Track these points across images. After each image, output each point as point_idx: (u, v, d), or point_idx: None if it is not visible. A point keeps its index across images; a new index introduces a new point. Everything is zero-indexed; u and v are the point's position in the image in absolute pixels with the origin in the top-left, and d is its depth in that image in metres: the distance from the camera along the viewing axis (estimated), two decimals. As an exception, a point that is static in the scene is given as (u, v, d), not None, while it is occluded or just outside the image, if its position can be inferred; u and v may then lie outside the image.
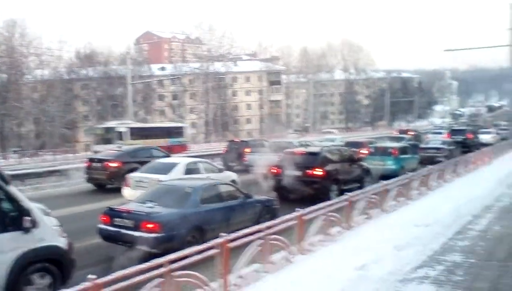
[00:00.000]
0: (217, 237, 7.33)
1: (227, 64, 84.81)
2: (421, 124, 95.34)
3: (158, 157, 20.12)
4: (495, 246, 9.75)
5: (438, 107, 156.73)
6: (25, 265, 6.91)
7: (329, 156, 17.83)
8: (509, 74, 39.26)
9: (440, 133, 46.00)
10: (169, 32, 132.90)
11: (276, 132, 66.83)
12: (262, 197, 12.89)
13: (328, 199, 11.35)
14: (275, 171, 17.19)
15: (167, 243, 9.18)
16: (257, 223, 9.69)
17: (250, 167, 21.93)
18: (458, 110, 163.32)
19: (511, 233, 10.77)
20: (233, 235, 7.39)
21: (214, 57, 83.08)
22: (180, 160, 18.17)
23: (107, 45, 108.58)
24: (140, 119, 75.42)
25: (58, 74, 67.78)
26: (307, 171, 16.48)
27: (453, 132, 44.17)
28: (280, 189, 16.21)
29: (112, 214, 10.10)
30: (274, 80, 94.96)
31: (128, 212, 9.88)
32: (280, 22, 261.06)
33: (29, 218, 6.94)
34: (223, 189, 11.80)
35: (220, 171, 18.48)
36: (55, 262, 7.37)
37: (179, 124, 51.22)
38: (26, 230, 6.93)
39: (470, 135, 42.04)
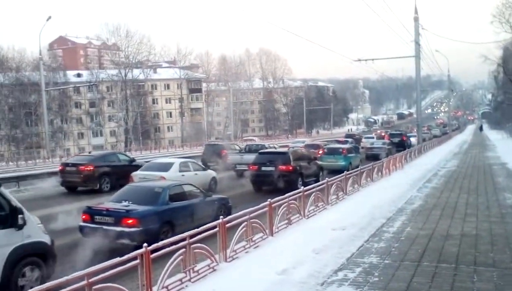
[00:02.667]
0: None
1: (146, 71, 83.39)
2: (338, 132, 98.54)
3: (125, 161, 23.53)
4: (408, 246, 10.24)
5: (352, 115, 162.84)
6: (18, 259, 7.76)
7: (294, 155, 21.83)
8: (415, 83, 43.03)
9: (372, 137, 55.07)
10: (84, 37, 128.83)
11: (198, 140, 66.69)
12: (219, 196, 14.81)
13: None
14: (253, 167, 21.22)
15: (145, 236, 9.93)
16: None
17: (230, 165, 27.15)
18: (371, 118, 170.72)
19: (422, 234, 11.37)
20: (154, 245, 7.28)
21: (132, 64, 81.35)
22: (174, 160, 21.58)
23: (19, 50, 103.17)
24: (57, 128, 72.48)
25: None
26: (279, 166, 20.30)
27: (392, 135, 53.16)
28: (256, 182, 20.99)
29: (91, 212, 11.21)
30: (194, 88, 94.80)
31: (108, 210, 11.03)
32: (198, 29, 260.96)
33: (22, 216, 7.83)
34: (186, 188, 13.16)
35: (204, 169, 21.81)
36: (41, 257, 8.22)
37: None
38: (19, 227, 7.83)
39: (405, 138, 50.34)
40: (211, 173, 21.90)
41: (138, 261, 6.85)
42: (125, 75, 78.92)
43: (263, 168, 20.73)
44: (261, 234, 10.56)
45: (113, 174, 21.81)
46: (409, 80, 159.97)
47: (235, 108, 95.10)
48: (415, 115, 56.38)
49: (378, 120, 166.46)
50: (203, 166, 22.51)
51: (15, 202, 7.92)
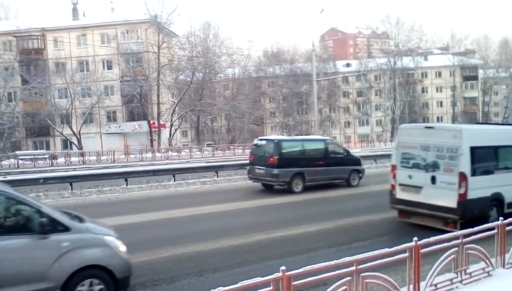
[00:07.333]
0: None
1: (416, 59, 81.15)
2: None
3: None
4: None
5: None
6: None
7: None
8: None
9: None
10: (354, 27, 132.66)
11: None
12: None
13: None
14: None
15: None
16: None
17: None
18: None
19: None
20: (424, 240, 6.92)
21: (402, 52, 80.00)
22: None
23: (293, 43, 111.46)
24: (325, 117, 76.46)
25: (247, 72, 71.63)
26: None
27: None
28: None
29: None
30: (469, 75, 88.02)
31: None
32: (476, 10, 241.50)
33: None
34: None
35: None
36: None
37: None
38: None
39: None
40: None
41: (407, 254, 6.64)
42: (394, 64, 78.24)
43: None
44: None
45: None
46: None
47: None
48: None
49: None
50: None
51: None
